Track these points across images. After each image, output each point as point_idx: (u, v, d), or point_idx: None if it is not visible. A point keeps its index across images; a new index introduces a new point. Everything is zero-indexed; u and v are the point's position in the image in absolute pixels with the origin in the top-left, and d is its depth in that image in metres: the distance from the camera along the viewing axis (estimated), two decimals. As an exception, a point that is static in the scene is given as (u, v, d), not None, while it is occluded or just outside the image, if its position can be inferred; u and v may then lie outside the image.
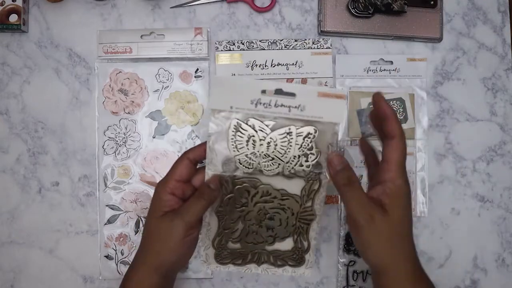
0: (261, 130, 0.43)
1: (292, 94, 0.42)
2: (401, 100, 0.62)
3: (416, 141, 0.62)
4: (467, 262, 0.62)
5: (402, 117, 0.62)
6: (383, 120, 0.43)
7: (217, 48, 0.62)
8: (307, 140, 0.44)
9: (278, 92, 0.42)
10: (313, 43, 0.62)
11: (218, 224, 0.47)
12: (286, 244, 0.48)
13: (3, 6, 0.60)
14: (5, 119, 0.62)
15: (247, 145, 0.44)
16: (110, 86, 0.61)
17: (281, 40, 0.62)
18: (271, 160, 0.44)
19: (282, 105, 0.42)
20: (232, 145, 0.44)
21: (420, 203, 0.62)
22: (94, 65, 0.62)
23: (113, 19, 0.63)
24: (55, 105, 0.62)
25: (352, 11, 0.61)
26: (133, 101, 0.62)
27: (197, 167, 0.47)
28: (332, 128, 0.43)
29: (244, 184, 0.45)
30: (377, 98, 0.44)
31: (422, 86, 0.63)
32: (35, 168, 0.61)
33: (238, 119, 0.43)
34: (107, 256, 0.60)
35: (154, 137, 0.61)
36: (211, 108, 0.43)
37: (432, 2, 0.62)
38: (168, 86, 0.62)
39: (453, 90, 0.63)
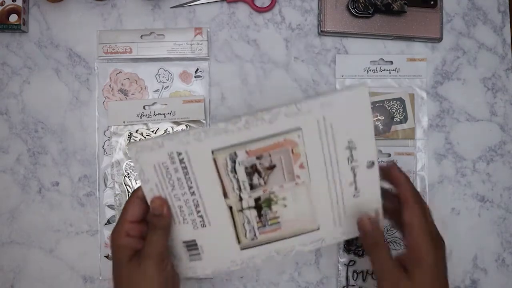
0: (148, 135, 0.59)
1: (165, 104, 0.59)
2: (401, 100, 0.62)
3: (416, 141, 0.62)
4: (467, 262, 0.62)
5: (402, 117, 0.62)
6: (396, 186, 0.45)
7: None
8: None
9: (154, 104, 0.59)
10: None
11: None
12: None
13: (3, 6, 0.60)
14: (5, 119, 0.62)
15: None
16: (110, 86, 0.61)
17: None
18: None
19: (159, 114, 0.59)
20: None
21: (420, 203, 0.62)
22: (94, 65, 0.62)
23: (113, 19, 0.63)
24: (55, 105, 0.62)
25: (352, 11, 0.61)
26: (133, 101, 0.62)
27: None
28: (200, 124, 0.60)
29: None
30: (391, 167, 0.45)
31: (422, 86, 0.63)
32: (35, 168, 0.61)
33: (130, 131, 0.59)
34: (107, 256, 0.60)
35: (154, 137, 0.62)
36: (111, 125, 0.59)
37: (432, 2, 0.62)
38: (168, 86, 0.62)
39: (453, 90, 0.63)
